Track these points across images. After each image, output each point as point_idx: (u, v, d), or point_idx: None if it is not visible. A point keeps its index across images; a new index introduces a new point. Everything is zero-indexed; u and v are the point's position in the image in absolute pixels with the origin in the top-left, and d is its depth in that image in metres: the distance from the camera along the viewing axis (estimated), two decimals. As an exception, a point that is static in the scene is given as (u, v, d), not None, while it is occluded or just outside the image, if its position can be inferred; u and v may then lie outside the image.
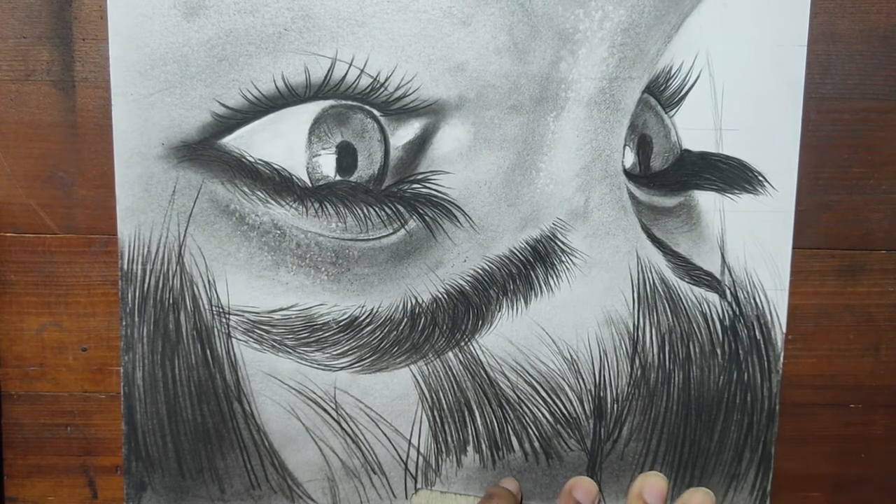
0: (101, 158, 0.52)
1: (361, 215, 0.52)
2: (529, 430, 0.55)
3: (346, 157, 0.52)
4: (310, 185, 0.52)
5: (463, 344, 0.54)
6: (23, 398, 0.55)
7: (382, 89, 0.51)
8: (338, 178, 0.52)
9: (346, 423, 0.54)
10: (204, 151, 0.51)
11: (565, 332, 0.54)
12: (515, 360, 0.54)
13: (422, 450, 0.55)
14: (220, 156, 0.51)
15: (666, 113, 0.53)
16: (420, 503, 0.55)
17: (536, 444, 0.55)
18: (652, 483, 0.54)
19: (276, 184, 0.52)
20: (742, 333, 0.55)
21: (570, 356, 0.54)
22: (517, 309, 0.54)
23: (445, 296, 0.54)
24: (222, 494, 0.55)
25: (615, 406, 0.55)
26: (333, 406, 0.54)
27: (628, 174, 0.53)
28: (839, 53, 0.54)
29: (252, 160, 0.52)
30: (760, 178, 0.54)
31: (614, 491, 0.56)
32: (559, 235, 0.53)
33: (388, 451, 0.55)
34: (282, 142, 0.51)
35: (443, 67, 0.51)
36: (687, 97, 0.53)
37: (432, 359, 0.54)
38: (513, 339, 0.54)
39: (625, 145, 0.53)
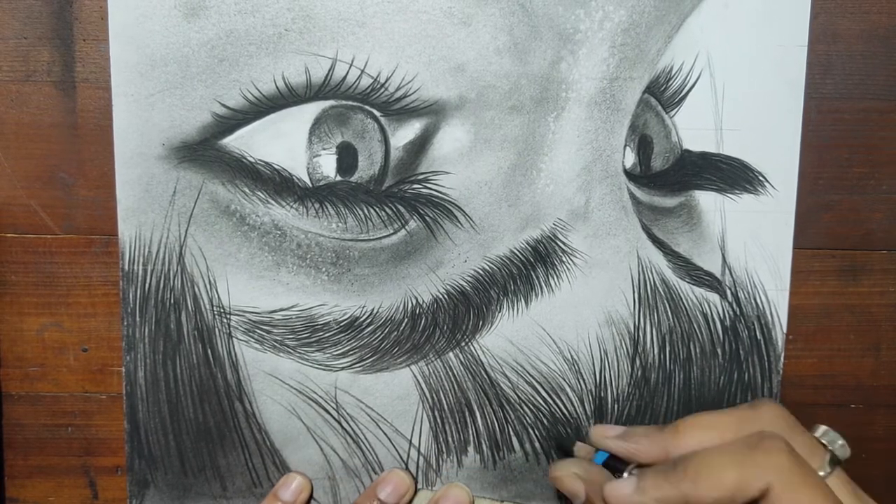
0: (102, 159, 0.52)
1: (362, 216, 0.52)
2: (530, 430, 0.55)
3: (347, 157, 0.52)
4: (310, 185, 0.52)
5: (463, 344, 0.54)
6: (23, 399, 0.55)
7: (383, 90, 0.51)
8: (338, 178, 0.52)
9: (347, 422, 0.54)
10: (204, 152, 0.51)
11: (566, 333, 0.54)
12: (516, 360, 0.54)
13: (422, 450, 0.55)
14: (220, 156, 0.51)
15: (666, 113, 0.53)
16: (420, 503, 0.55)
17: (537, 445, 0.55)
18: (454, 494, 0.54)
19: (277, 184, 0.52)
20: (742, 334, 0.55)
21: (571, 356, 0.54)
22: (518, 309, 0.54)
23: (446, 296, 0.54)
24: (224, 492, 0.55)
25: (616, 406, 0.55)
26: (334, 406, 0.54)
27: (629, 174, 0.53)
28: (840, 53, 0.54)
29: (252, 160, 0.52)
30: (761, 178, 0.54)
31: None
32: (560, 236, 0.53)
33: (388, 451, 0.55)
34: (282, 142, 0.51)
35: (443, 68, 0.51)
36: (687, 97, 0.53)
37: (433, 359, 0.54)
38: (513, 339, 0.54)
39: (625, 145, 0.53)
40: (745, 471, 0.39)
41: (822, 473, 0.41)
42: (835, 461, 0.42)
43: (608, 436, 0.48)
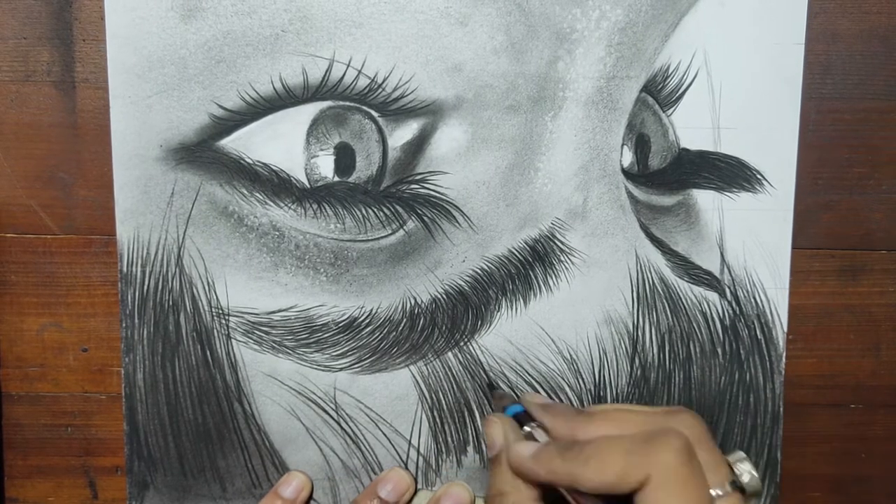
0: (102, 159, 0.53)
1: (360, 216, 0.53)
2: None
3: (345, 157, 0.52)
4: (308, 186, 0.52)
5: (462, 344, 0.54)
6: (23, 399, 0.55)
7: (380, 90, 0.51)
8: (336, 179, 0.52)
9: (346, 423, 0.54)
10: (202, 153, 0.52)
11: (565, 332, 0.54)
12: (515, 360, 0.54)
13: (422, 450, 0.55)
14: (218, 157, 0.52)
15: (664, 112, 0.53)
16: (420, 503, 0.55)
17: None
18: (454, 492, 0.54)
19: (275, 185, 0.52)
20: (742, 333, 0.55)
21: (570, 356, 0.54)
22: (516, 309, 0.54)
23: (444, 296, 0.54)
24: (224, 493, 0.55)
25: (615, 406, 0.55)
26: (333, 407, 0.54)
27: (626, 173, 0.53)
28: (839, 53, 0.54)
29: (250, 162, 0.52)
30: (759, 176, 0.54)
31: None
32: (558, 235, 0.53)
33: (388, 451, 0.55)
34: (280, 143, 0.52)
35: (440, 68, 0.51)
36: (685, 96, 0.53)
37: (432, 359, 0.54)
38: (512, 339, 0.54)
39: (623, 144, 0.53)
40: (630, 460, 0.39)
41: (716, 492, 0.41)
42: (736, 487, 0.42)
43: (535, 402, 0.48)
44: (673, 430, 0.41)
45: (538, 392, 0.54)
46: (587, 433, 0.43)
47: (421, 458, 0.55)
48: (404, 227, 0.53)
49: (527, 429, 0.46)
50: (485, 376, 0.54)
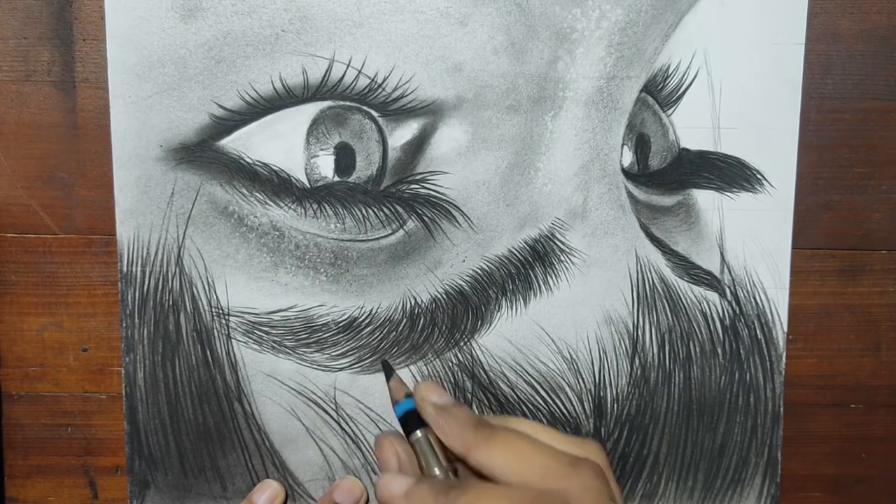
0: (102, 159, 0.53)
1: (360, 216, 0.53)
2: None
3: (345, 157, 0.52)
4: (308, 186, 0.52)
5: (462, 344, 0.54)
6: (23, 398, 0.55)
7: (380, 90, 0.51)
8: (336, 178, 0.52)
9: (347, 423, 0.54)
10: (202, 153, 0.52)
11: (565, 332, 0.54)
12: (515, 359, 0.54)
13: (422, 450, 0.55)
14: (218, 157, 0.52)
15: (664, 112, 0.53)
16: (420, 503, 0.55)
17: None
18: (345, 485, 0.54)
19: (275, 185, 0.52)
20: (743, 332, 0.55)
21: (570, 356, 0.54)
22: (516, 309, 0.54)
23: (444, 296, 0.54)
24: (224, 492, 0.55)
25: (615, 405, 0.55)
26: (333, 407, 0.54)
27: (626, 173, 0.53)
28: (839, 53, 0.54)
29: (250, 161, 0.52)
30: (759, 176, 0.54)
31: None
32: (558, 235, 0.53)
33: (388, 451, 0.55)
34: (280, 143, 0.52)
35: (440, 68, 0.51)
36: (685, 96, 0.53)
37: (432, 359, 0.54)
38: (512, 338, 0.54)
39: (623, 144, 0.53)
40: None
41: None
42: None
43: (430, 400, 0.44)
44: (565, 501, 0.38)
45: (538, 391, 0.54)
46: (482, 456, 0.40)
47: (421, 458, 0.55)
48: (404, 227, 0.53)
49: (418, 434, 0.45)
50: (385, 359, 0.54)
